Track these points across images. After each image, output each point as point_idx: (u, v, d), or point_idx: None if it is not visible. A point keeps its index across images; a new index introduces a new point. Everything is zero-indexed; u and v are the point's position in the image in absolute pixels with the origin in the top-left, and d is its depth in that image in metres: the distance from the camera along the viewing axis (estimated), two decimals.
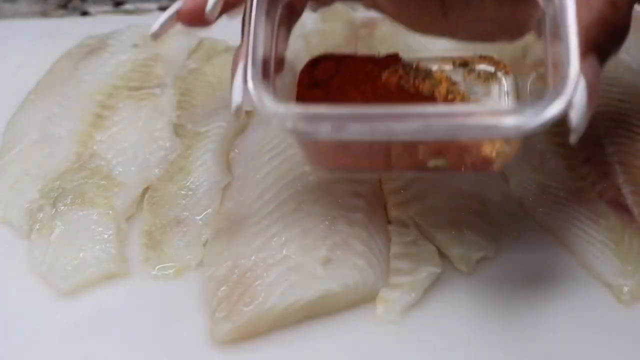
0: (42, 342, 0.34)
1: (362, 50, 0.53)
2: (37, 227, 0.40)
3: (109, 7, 0.70)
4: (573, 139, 0.29)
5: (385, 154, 0.34)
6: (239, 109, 0.31)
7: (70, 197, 0.41)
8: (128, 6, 0.70)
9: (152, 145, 0.45)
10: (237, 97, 0.31)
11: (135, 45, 0.55)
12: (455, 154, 0.33)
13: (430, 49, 0.49)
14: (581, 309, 0.35)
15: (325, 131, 0.29)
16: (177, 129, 0.47)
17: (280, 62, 0.34)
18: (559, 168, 0.42)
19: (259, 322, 0.34)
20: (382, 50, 0.40)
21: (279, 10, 0.33)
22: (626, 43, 0.55)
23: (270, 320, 0.34)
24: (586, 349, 0.33)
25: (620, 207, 0.39)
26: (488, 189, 0.41)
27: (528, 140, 0.33)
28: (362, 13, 0.62)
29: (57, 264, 0.37)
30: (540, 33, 0.31)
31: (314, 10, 0.38)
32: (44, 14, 0.71)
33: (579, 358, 0.33)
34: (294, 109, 0.30)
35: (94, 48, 0.56)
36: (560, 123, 0.44)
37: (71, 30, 0.61)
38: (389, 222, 0.39)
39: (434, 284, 0.36)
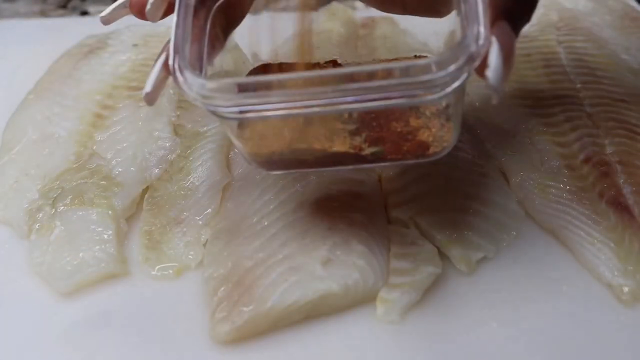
0: (42, 342, 0.34)
1: (362, 50, 0.53)
2: (37, 227, 0.40)
3: None
4: (494, 100, 0.29)
5: (321, 145, 0.34)
6: (148, 95, 0.33)
7: (70, 197, 0.41)
8: None
9: (151, 145, 0.45)
10: (147, 87, 0.33)
11: (135, 45, 0.55)
12: (391, 141, 0.33)
13: (430, 48, 0.49)
14: (581, 309, 0.35)
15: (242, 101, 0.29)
16: (177, 129, 0.47)
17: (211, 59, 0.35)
18: (559, 168, 0.42)
19: (259, 322, 0.34)
20: (382, 50, 0.40)
21: (212, 12, 0.34)
22: (626, 43, 0.55)
23: (270, 321, 0.34)
24: (586, 348, 0.33)
25: (621, 207, 0.39)
26: (488, 189, 0.41)
27: (462, 124, 0.34)
28: (362, 13, 0.62)
29: (56, 264, 0.37)
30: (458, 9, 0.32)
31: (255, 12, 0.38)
32: (44, 14, 0.71)
33: (579, 358, 0.33)
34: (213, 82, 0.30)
35: (93, 48, 0.56)
36: (559, 123, 0.45)
37: (71, 30, 0.61)
38: (389, 222, 0.39)
39: (434, 284, 0.36)
